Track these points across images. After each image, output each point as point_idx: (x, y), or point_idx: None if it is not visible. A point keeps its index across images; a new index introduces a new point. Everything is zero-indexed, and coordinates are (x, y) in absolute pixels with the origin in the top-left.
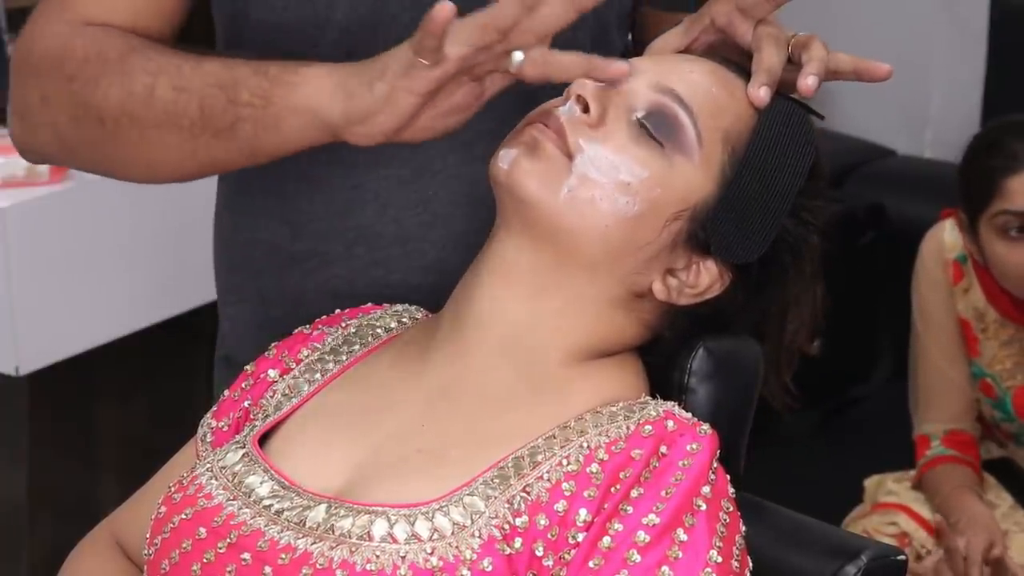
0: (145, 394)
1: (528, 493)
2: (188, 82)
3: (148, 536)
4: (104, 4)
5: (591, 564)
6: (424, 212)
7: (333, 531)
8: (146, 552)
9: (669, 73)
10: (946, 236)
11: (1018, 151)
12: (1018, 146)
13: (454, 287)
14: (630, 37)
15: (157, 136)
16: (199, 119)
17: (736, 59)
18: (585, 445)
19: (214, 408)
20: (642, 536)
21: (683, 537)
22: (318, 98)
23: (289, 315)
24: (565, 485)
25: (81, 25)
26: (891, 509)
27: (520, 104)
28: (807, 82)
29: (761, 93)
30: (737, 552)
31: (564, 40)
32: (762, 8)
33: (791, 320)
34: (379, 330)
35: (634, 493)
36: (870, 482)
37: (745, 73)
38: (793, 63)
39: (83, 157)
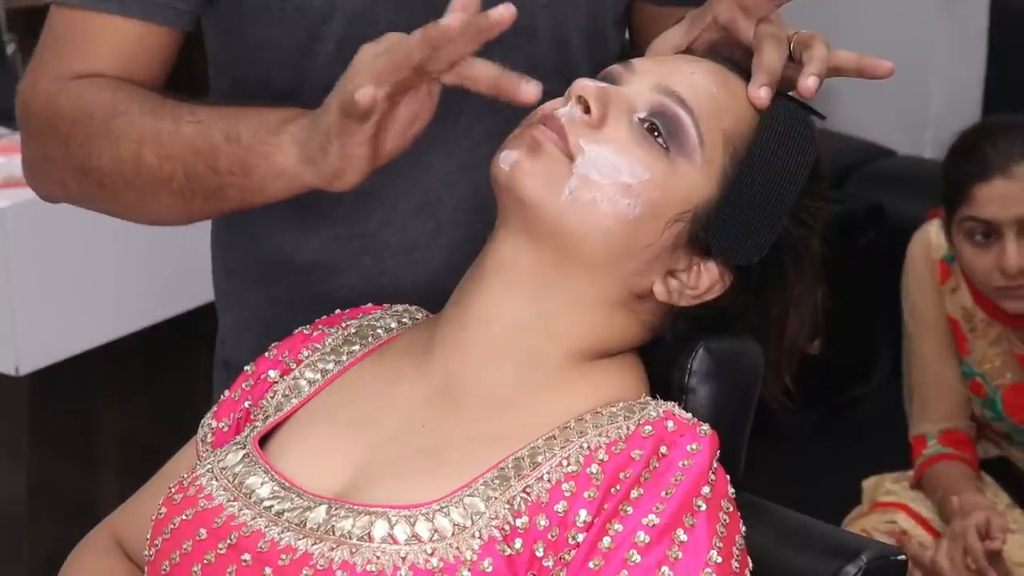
0: (145, 394)
1: (528, 494)
2: (170, 149)
3: (149, 537)
4: (93, 57)
5: (591, 564)
6: (429, 219)
7: (333, 532)
8: (147, 553)
9: (670, 74)
10: (933, 236)
11: (990, 158)
12: (991, 152)
13: None
14: (627, 35)
15: (152, 198)
16: (186, 185)
17: (738, 57)
18: (585, 446)
19: (214, 408)
20: (642, 536)
21: (683, 537)
22: (292, 166)
23: (299, 320)
24: (565, 486)
25: (70, 80)
26: (890, 508)
27: (520, 108)
28: (807, 82)
29: (761, 93)
30: (737, 552)
31: (558, 40)
32: (763, 7)
33: (791, 321)
34: (379, 330)
35: (634, 493)
36: (868, 483)
37: (746, 74)
38: (795, 61)
39: (96, 208)
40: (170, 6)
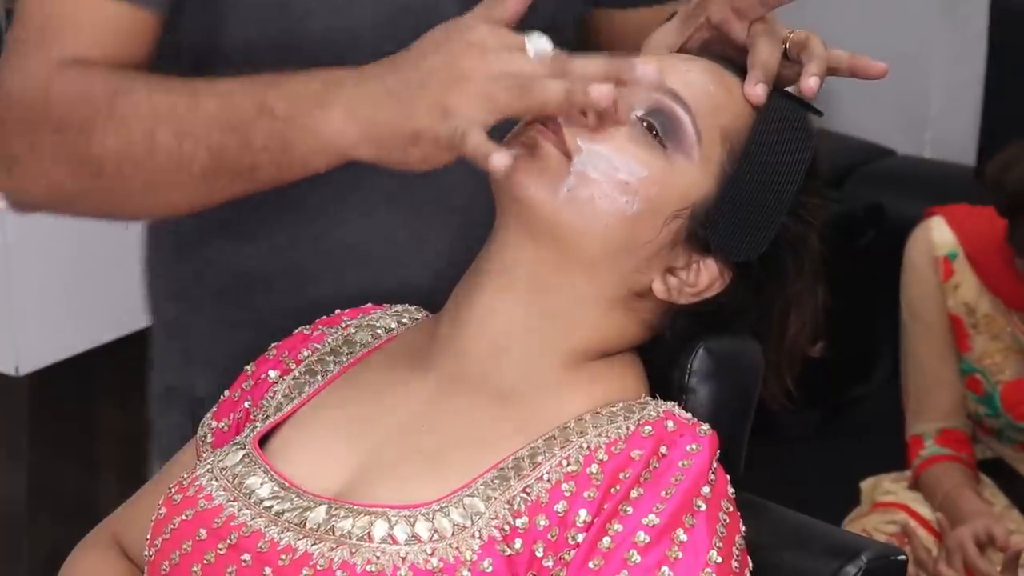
0: (145, 394)
1: (528, 494)
2: (190, 126)
3: (148, 537)
4: (77, 40)
5: (591, 564)
6: (411, 226)
7: (333, 532)
8: (146, 553)
9: (667, 72)
10: (934, 235)
11: None
12: None
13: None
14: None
15: (165, 181)
16: (211, 165)
17: (731, 55)
18: (585, 446)
19: (214, 409)
20: (642, 536)
21: (683, 537)
22: (344, 142)
23: (278, 336)
24: (565, 486)
25: (58, 66)
26: (891, 508)
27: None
28: (809, 83)
29: (757, 90)
30: (737, 552)
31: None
32: (755, 10)
33: (792, 320)
34: (379, 330)
35: (634, 493)
36: (866, 484)
37: (742, 71)
38: (790, 60)
39: (84, 206)
40: None
